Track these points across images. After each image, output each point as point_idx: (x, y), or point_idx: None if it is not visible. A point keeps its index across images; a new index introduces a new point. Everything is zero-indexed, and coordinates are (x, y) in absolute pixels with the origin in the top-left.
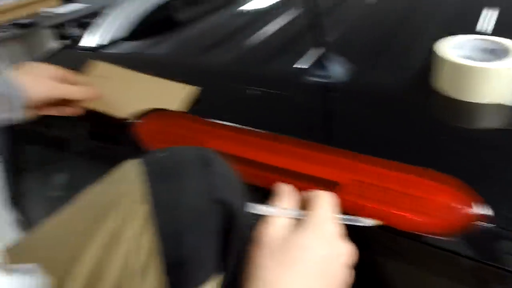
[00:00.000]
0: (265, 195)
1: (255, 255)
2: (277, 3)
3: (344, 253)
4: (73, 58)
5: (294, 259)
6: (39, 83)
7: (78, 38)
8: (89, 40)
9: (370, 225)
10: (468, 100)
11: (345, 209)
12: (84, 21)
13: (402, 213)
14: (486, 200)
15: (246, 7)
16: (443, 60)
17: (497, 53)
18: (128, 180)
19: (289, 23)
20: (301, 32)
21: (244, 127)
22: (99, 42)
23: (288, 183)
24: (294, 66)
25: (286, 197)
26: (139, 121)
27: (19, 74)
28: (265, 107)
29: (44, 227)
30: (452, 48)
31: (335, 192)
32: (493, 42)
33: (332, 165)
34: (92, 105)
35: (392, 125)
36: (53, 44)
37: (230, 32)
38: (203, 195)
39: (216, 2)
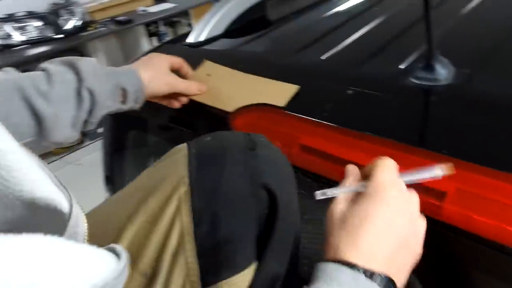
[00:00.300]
0: None
1: (329, 233)
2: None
3: (409, 214)
4: (174, 53)
5: (358, 227)
6: (158, 80)
7: (167, 35)
8: (191, 37)
9: (440, 175)
10: None
11: (452, 220)
12: (172, 20)
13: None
14: None
15: (345, 4)
16: None
17: None
18: (174, 163)
19: (392, 21)
20: (405, 31)
21: (339, 126)
22: (199, 38)
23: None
24: (399, 67)
25: (351, 176)
26: (235, 114)
27: (140, 68)
28: (365, 108)
29: (104, 205)
30: None
31: (441, 202)
32: None
33: None
34: (200, 99)
35: (502, 134)
36: (145, 40)
37: (328, 30)
38: (245, 179)
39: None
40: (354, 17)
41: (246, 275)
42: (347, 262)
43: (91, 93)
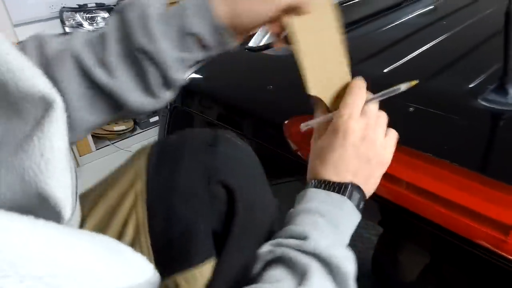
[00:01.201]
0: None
1: (309, 163)
2: (449, 13)
3: (372, 136)
4: (235, 57)
5: (326, 152)
6: (249, 3)
7: None
8: (252, 41)
9: (405, 88)
10: None
11: None
12: None
13: None
14: None
15: (411, 15)
16: None
17: None
18: (136, 159)
19: (462, 36)
20: (479, 48)
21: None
22: (260, 43)
23: (455, 219)
24: (470, 86)
25: (319, 107)
26: (291, 122)
27: None
28: (425, 127)
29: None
30: None
31: (506, 237)
32: None
33: (508, 205)
34: (300, 56)
35: None
36: None
37: (393, 41)
38: (201, 176)
39: (380, 10)
40: (420, 29)
41: (204, 270)
42: (319, 179)
43: (147, 54)
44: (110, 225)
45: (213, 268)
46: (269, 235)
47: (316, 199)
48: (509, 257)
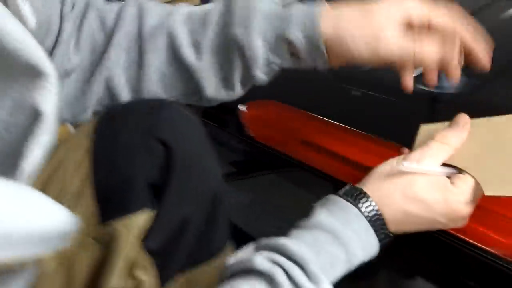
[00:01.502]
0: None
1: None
2: None
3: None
4: None
5: (387, 184)
6: (359, 35)
7: None
8: None
9: None
10: None
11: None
12: None
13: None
14: None
15: None
16: None
17: None
18: (90, 122)
19: None
20: None
21: (343, 125)
22: None
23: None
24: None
25: (441, 153)
26: (244, 108)
27: (333, 12)
28: (366, 109)
29: None
30: None
31: None
32: None
33: None
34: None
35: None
36: None
37: None
38: (141, 133)
39: None
40: None
41: (141, 218)
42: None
43: (239, 46)
44: (56, 176)
45: (151, 218)
46: (213, 200)
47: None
48: None
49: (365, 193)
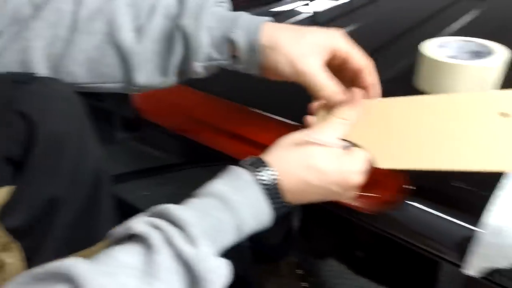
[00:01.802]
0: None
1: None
2: None
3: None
4: None
5: (288, 153)
6: (285, 54)
7: None
8: None
9: None
10: None
11: None
12: None
13: None
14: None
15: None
16: (427, 59)
17: (480, 55)
18: None
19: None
20: None
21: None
22: None
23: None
24: None
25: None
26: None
27: (277, 27)
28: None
29: None
30: (437, 48)
31: None
32: (477, 44)
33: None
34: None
35: None
36: None
37: None
38: (1, 106)
39: None
40: None
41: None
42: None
43: (184, 35)
44: None
45: (9, 193)
46: (94, 182)
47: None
48: None
49: (264, 162)
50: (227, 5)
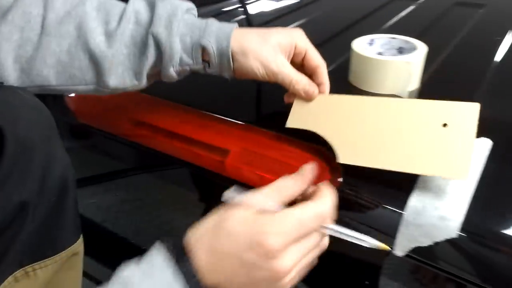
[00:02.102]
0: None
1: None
2: None
3: (271, 269)
4: None
5: (218, 242)
6: (254, 55)
7: None
8: None
9: (372, 246)
10: (374, 91)
11: (232, 174)
12: None
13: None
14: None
15: None
16: (356, 55)
17: (404, 51)
18: None
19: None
20: None
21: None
22: None
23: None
24: None
25: (283, 188)
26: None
27: (244, 32)
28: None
29: None
30: (366, 45)
31: (226, 159)
32: (402, 40)
33: (226, 134)
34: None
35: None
36: None
37: None
38: None
39: None
40: None
41: None
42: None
43: (157, 42)
44: None
45: None
46: (60, 190)
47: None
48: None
49: (182, 242)
50: (195, 12)
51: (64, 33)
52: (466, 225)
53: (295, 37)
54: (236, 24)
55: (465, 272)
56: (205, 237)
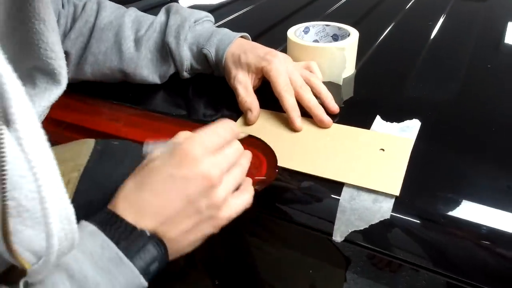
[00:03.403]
0: None
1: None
2: None
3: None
4: None
5: (144, 179)
6: (226, 71)
7: None
8: None
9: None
10: None
11: None
12: None
13: None
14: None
15: None
16: (292, 43)
17: (339, 38)
18: (78, 150)
19: None
20: None
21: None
22: None
23: None
24: None
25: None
26: None
27: (243, 43)
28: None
29: None
30: (301, 33)
31: None
32: (335, 27)
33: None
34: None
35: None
36: None
37: None
38: None
39: None
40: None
41: None
42: (108, 211)
43: (170, 50)
44: None
45: None
46: None
47: (82, 246)
48: None
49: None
50: (209, 19)
51: (104, 38)
52: (398, 206)
53: (264, 63)
54: (237, 36)
55: (400, 251)
56: (128, 187)
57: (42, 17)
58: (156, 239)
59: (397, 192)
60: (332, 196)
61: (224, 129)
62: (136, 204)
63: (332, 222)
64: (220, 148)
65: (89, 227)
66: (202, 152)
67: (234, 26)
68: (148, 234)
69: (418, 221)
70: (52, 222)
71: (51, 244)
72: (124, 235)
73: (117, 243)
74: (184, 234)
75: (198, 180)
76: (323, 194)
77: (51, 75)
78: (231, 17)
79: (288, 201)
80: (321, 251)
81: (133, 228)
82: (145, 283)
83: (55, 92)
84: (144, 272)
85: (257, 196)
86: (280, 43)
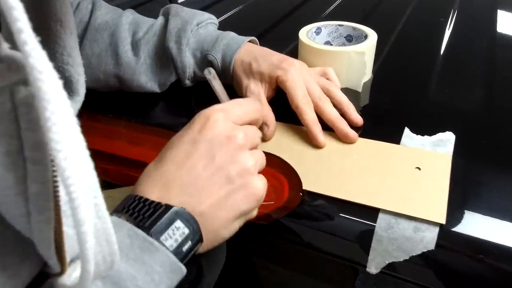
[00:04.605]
0: None
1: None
2: None
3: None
4: None
5: (164, 153)
6: (235, 80)
7: None
8: None
9: None
10: None
11: None
12: None
13: None
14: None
15: None
16: (305, 46)
17: (354, 39)
18: None
19: None
20: None
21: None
22: None
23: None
24: None
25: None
26: None
27: (251, 49)
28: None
29: None
30: (313, 34)
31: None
32: (350, 28)
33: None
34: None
35: None
36: None
37: None
38: None
39: None
40: None
41: None
42: (135, 195)
43: (171, 55)
44: None
45: None
46: None
47: None
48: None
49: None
50: (213, 21)
51: (99, 39)
52: (442, 235)
53: (279, 72)
54: (245, 40)
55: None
56: (150, 166)
57: (59, 17)
58: (187, 215)
59: (443, 220)
60: (364, 221)
61: (248, 103)
62: (160, 179)
63: (365, 251)
64: (242, 122)
65: (112, 218)
66: (223, 116)
67: (227, 25)
68: (176, 209)
69: (467, 253)
70: (88, 248)
71: (86, 270)
72: (149, 214)
73: (143, 227)
74: (216, 209)
75: (222, 141)
76: (353, 221)
77: (67, 84)
78: (224, 16)
79: (312, 226)
80: (344, 278)
81: (157, 204)
82: (184, 268)
83: (73, 106)
84: (176, 252)
85: (276, 224)
86: (280, 43)
